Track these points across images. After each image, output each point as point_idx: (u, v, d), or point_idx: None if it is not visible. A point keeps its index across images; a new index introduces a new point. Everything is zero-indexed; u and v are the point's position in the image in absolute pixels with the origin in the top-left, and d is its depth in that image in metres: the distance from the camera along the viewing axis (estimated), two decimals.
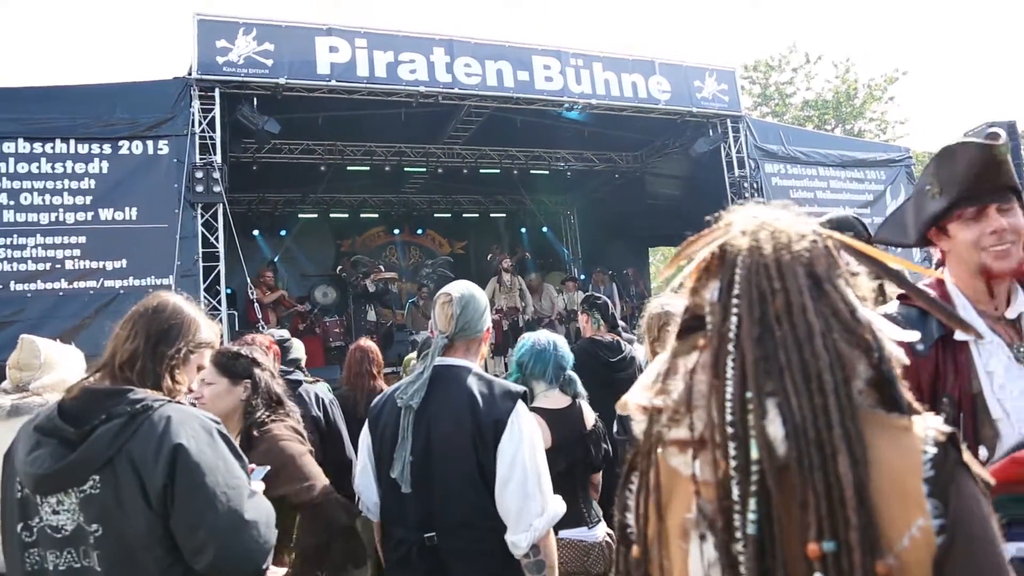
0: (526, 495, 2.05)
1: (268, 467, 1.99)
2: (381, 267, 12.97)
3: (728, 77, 10.50)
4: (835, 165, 11.21)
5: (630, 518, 1.02)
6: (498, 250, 13.52)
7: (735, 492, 0.83)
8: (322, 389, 3.62)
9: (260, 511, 1.58)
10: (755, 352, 0.86)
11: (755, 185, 10.27)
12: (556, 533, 2.78)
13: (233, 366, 2.29)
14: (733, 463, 0.84)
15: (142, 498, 1.46)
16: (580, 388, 3.12)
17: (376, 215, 14.52)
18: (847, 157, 11.40)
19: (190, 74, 7.66)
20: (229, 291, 8.13)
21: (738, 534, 0.83)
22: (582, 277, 13.82)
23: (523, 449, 2.08)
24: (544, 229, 15.52)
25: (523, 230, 15.49)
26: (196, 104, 7.60)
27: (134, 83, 7.73)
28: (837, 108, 24.21)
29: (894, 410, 0.89)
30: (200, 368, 1.76)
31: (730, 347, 0.88)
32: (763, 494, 0.82)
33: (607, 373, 4.04)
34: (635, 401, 1.01)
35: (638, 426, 1.01)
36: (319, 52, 8.15)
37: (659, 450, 0.96)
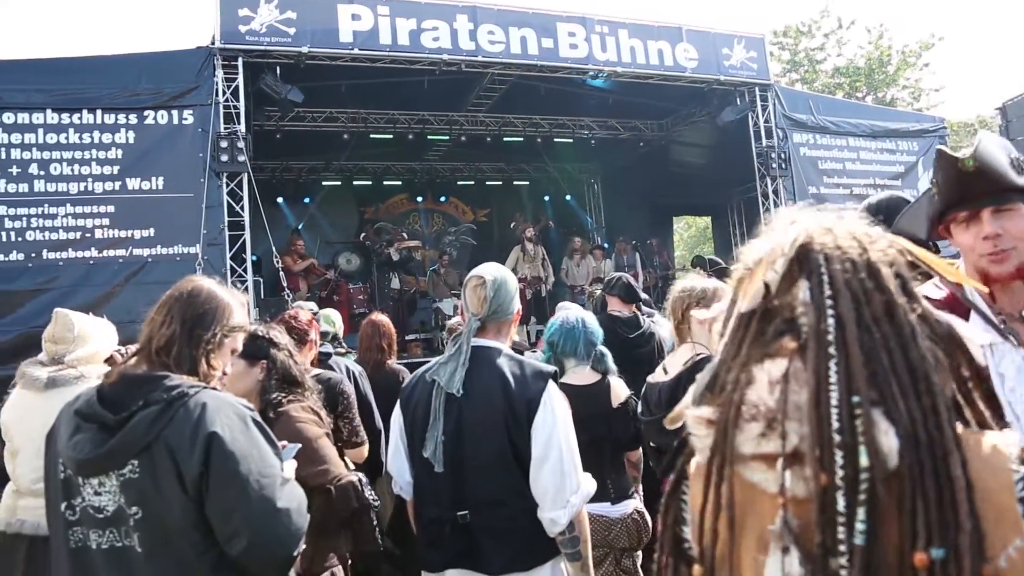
0: (563, 473, 2.11)
1: (299, 445, 2.03)
2: (405, 234, 12.99)
3: (757, 44, 10.27)
4: (866, 135, 10.95)
5: (687, 531, 0.98)
6: (521, 218, 13.49)
7: (840, 503, 0.78)
8: (350, 361, 3.69)
9: (292, 498, 1.62)
10: (861, 356, 0.82)
11: (783, 155, 10.09)
12: None
13: (250, 347, 2.31)
14: (840, 473, 0.78)
15: (178, 485, 1.51)
16: (611, 364, 3.15)
17: (399, 182, 14.52)
18: (878, 127, 11.13)
19: (213, 43, 7.65)
20: (255, 258, 8.23)
21: (842, 547, 0.78)
22: (605, 245, 13.76)
23: (558, 429, 2.14)
24: (568, 197, 15.44)
25: (546, 198, 15.43)
26: (220, 73, 7.61)
27: (158, 53, 7.76)
28: (869, 75, 23.55)
29: (966, 423, 0.87)
30: (234, 352, 1.79)
31: (831, 350, 0.83)
32: (871, 504, 0.78)
33: (625, 350, 4.03)
34: (696, 413, 0.94)
35: (700, 440, 0.94)
36: (341, 20, 8.09)
37: (735, 465, 0.89)
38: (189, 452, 1.50)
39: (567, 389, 2.95)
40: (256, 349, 2.34)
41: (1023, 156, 1.63)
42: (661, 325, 4.39)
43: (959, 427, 0.84)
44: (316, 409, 2.40)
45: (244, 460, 1.54)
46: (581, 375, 3.07)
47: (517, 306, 2.36)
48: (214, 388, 1.65)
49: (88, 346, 2.77)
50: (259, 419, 1.65)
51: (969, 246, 1.67)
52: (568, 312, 3.19)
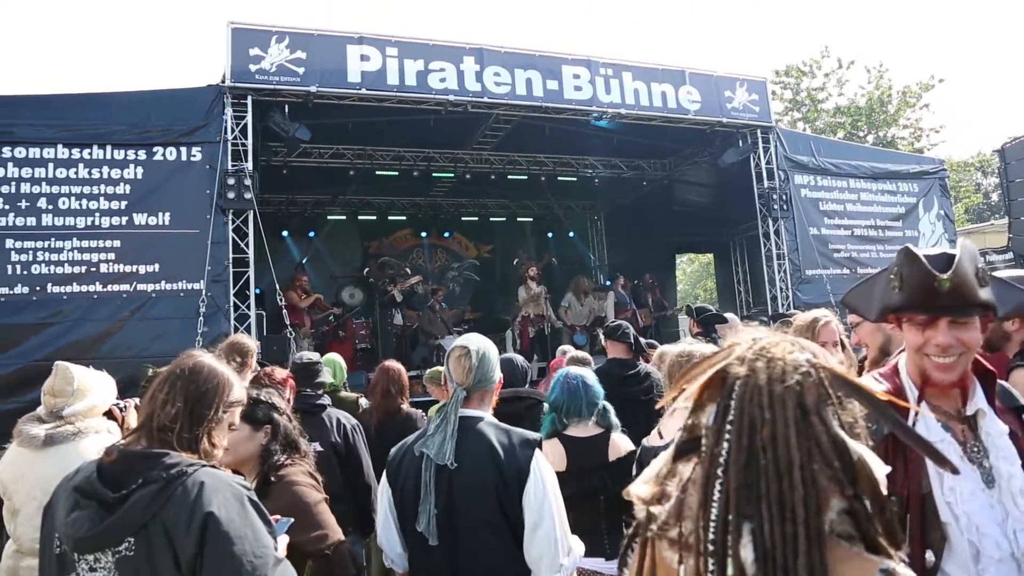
0: (555, 539, 2.15)
1: (292, 520, 2.04)
2: (408, 270, 13.02)
3: (759, 87, 10.40)
4: (867, 177, 11.05)
5: (627, 573, 1.17)
6: (525, 256, 13.53)
7: None
8: (344, 414, 3.67)
9: None
10: (739, 479, 0.94)
11: (784, 196, 10.16)
12: None
13: (254, 412, 2.32)
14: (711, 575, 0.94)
15: (173, 565, 1.52)
16: (613, 419, 3.17)
17: (404, 217, 14.62)
18: (879, 169, 11.23)
19: (223, 82, 7.78)
20: (258, 291, 8.25)
21: None
22: (607, 283, 13.77)
23: (549, 496, 2.18)
24: (571, 234, 15.52)
25: (550, 235, 15.52)
26: (229, 111, 7.73)
27: (169, 90, 7.88)
28: (870, 115, 23.81)
29: (868, 546, 0.94)
30: (232, 426, 1.80)
31: (719, 471, 0.96)
32: None
33: (616, 387, 4.06)
34: (637, 493, 1.12)
35: (640, 513, 1.12)
36: (350, 60, 8.23)
37: (655, 540, 1.07)
38: (185, 532, 1.52)
39: (565, 440, 2.99)
40: (260, 414, 2.35)
41: (985, 266, 1.62)
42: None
43: (844, 546, 0.93)
44: (313, 473, 2.41)
45: (239, 541, 1.55)
46: (582, 428, 3.09)
47: (499, 375, 2.41)
48: (213, 465, 1.66)
49: (87, 400, 2.78)
50: (255, 498, 1.66)
51: (918, 346, 1.67)
52: (568, 372, 3.20)
